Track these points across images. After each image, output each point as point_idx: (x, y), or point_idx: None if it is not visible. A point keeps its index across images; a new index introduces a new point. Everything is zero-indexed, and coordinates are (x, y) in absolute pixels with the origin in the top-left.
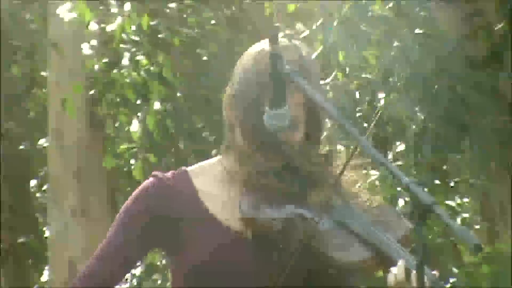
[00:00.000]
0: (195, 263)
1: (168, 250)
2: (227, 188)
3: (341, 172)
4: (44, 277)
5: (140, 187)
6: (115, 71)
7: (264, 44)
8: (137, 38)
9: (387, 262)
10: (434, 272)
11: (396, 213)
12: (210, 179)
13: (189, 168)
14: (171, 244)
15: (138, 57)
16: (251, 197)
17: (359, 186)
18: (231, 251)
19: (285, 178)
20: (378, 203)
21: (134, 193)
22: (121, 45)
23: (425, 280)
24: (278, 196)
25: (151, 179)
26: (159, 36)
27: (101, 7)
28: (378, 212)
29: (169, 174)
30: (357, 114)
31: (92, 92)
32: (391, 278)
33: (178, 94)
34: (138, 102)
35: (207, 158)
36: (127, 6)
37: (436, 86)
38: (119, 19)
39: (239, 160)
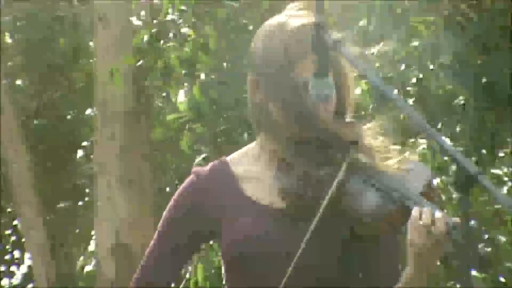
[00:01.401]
0: (239, 246)
1: (217, 240)
2: (264, 167)
3: (362, 135)
4: (91, 246)
5: (180, 187)
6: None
7: (278, 19)
8: (184, 8)
9: (409, 215)
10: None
11: (417, 163)
12: (249, 163)
13: (229, 157)
14: (218, 234)
15: (183, 29)
16: (286, 169)
17: (381, 141)
18: (271, 228)
19: (317, 146)
20: (400, 156)
21: (176, 193)
22: (168, 16)
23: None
24: (310, 164)
25: (190, 176)
26: (205, 8)
27: None
28: (399, 164)
29: (208, 167)
30: (403, 86)
31: (140, 63)
32: (416, 223)
33: (224, 64)
34: (184, 73)
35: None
36: None
37: (478, 62)
38: None
39: (273, 135)
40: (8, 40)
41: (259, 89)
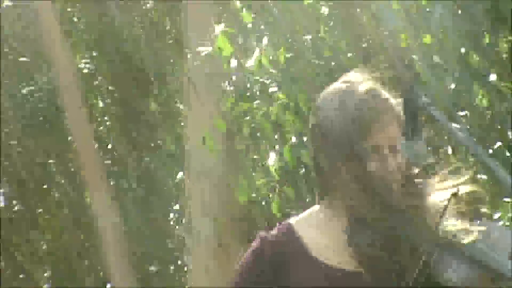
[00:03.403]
0: None
1: None
2: (332, 233)
3: (444, 210)
4: None
5: (248, 252)
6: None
7: (341, 84)
8: (273, 71)
9: (498, 279)
10: None
11: (500, 227)
12: (315, 227)
13: (292, 220)
14: None
15: (272, 89)
16: (358, 232)
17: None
18: None
19: (389, 212)
20: (482, 220)
21: (244, 258)
22: (256, 78)
23: None
24: (382, 227)
25: (256, 241)
26: (294, 69)
27: (239, 42)
28: (482, 229)
29: (274, 231)
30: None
31: (230, 127)
32: None
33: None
34: (275, 136)
35: None
36: (265, 40)
37: None
38: (256, 53)
39: (344, 201)
40: (100, 104)
41: (333, 159)
